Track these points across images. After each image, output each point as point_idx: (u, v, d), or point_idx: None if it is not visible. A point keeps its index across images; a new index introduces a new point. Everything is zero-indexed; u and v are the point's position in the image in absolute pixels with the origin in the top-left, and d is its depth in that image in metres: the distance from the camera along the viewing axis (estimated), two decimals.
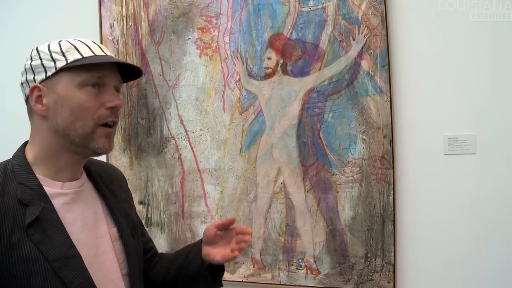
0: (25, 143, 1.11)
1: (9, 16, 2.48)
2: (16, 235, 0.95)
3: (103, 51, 1.08)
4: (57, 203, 1.04)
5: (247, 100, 2.05)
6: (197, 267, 1.23)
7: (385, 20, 1.86)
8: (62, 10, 2.35)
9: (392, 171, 1.88)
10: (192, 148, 2.14)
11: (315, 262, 1.99)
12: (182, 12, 2.12)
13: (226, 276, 2.10)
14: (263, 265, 2.06)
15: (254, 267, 2.08)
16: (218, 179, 2.11)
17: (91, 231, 1.09)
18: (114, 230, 1.16)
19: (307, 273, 2.01)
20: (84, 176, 1.16)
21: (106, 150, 1.09)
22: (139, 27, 2.19)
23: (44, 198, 1.02)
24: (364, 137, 1.91)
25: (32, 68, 1.05)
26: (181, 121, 2.15)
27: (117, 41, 2.22)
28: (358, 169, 1.92)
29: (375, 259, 1.91)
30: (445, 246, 1.87)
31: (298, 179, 2.00)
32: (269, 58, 2.01)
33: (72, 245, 1.01)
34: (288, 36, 1.98)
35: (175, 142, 2.16)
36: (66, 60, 1.03)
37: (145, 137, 2.19)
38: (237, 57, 2.06)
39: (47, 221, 1.00)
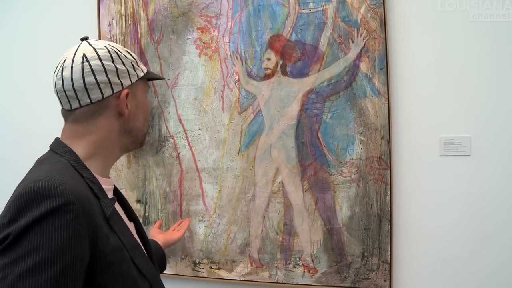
0: (57, 139, 1.13)
1: (6, 13, 2.46)
2: (104, 226, 1.00)
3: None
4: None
5: (246, 100, 2.07)
6: (161, 257, 1.57)
7: (383, 23, 1.89)
8: (61, 8, 2.34)
9: (389, 171, 1.91)
10: (190, 147, 2.15)
11: (313, 260, 2.02)
12: (182, 11, 2.13)
13: (224, 275, 2.13)
14: (261, 263, 2.08)
15: (251, 265, 2.09)
16: (216, 178, 2.12)
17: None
18: (131, 224, 1.23)
19: (304, 271, 2.03)
20: None
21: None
22: (138, 26, 2.19)
23: (104, 192, 1.08)
24: (362, 138, 1.94)
25: (117, 71, 1.10)
26: (180, 120, 2.16)
27: (116, 39, 2.21)
28: (355, 169, 1.95)
29: (372, 258, 1.95)
30: (441, 245, 1.91)
31: (296, 179, 2.02)
32: (269, 59, 2.03)
33: (133, 235, 1.10)
34: (287, 38, 2.00)
35: (174, 141, 2.17)
36: (142, 70, 1.18)
37: None
38: (236, 58, 2.07)
39: (116, 213, 1.08)
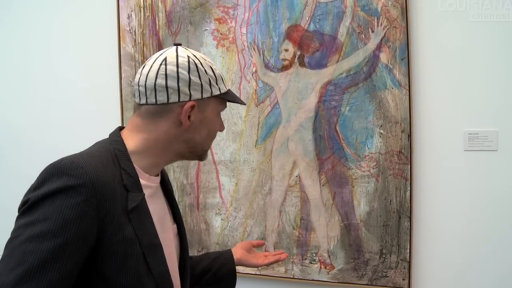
0: (120, 128, 1.18)
1: (27, 6, 2.50)
2: (122, 217, 1.02)
3: (225, 83, 1.22)
4: (146, 194, 1.11)
5: (264, 92, 2.03)
6: (229, 270, 1.46)
7: (405, 12, 1.82)
8: (80, 1, 2.36)
9: (409, 166, 1.85)
10: None
11: (329, 256, 1.97)
12: (200, 2, 2.11)
13: (240, 269, 2.08)
14: None
15: None
16: (233, 171, 2.10)
17: (162, 225, 1.16)
18: (174, 226, 1.25)
19: (320, 267, 1.99)
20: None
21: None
22: (157, 18, 2.19)
23: (140, 187, 1.09)
24: (382, 131, 1.87)
25: (189, 82, 1.11)
26: None
27: (135, 31, 2.22)
28: (374, 163, 1.89)
29: (390, 256, 1.88)
30: (462, 244, 1.83)
31: (314, 173, 1.98)
32: (286, 50, 1.99)
33: (156, 235, 1.10)
34: (305, 28, 1.95)
35: None
36: (220, 89, 1.15)
37: None
38: (254, 49, 2.04)
39: (142, 209, 1.08)
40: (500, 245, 1.79)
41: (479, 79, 1.79)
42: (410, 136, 1.84)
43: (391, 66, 1.85)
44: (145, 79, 1.11)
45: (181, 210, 2.14)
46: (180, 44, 1.18)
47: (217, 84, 1.15)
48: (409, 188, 1.85)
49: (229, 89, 1.20)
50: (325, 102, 1.94)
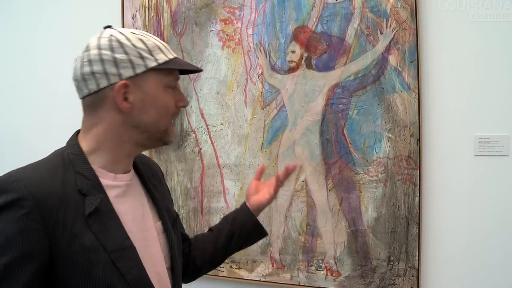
0: (78, 132, 1.11)
1: (29, 6, 2.48)
2: (77, 225, 0.96)
3: (171, 52, 1.11)
4: (110, 194, 1.05)
5: (270, 94, 1.99)
6: (252, 223, 1.39)
7: (414, 14, 1.78)
8: (84, 1, 2.34)
9: (418, 171, 1.80)
10: (212, 143, 2.10)
11: (336, 263, 1.93)
12: (205, 3, 2.08)
13: (244, 275, 2.07)
14: (282, 264, 2.01)
15: (272, 266, 2.02)
16: (238, 175, 2.06)
17: (139, 224, 1.10)
18: (158, 224, 1.18)
19: (327, 274, 1.95)
20: (132, 169, 1.17)
21: (172, 142, 1.17)
22: (161, 18, 2.16)
23: (100, 189, 1.03)
24: (390, 135, 1.83)
25: (115, 61, 1.02)
26: (202, 114, 2.11)
27: None
28: (382, 168, 1.85)
29: (398, 263, 1.84)
30: (473, 252, 1.79)
31: (320, 177, 1.93)
32: (293, 52, 1.95)
33: (127, 237, 1.03)
34: (313, 29, 1.91)
35: (195, 136, 2.12)
36: (156, 60, 1.05)
37: None
38: (260, 50, 2.00)
39: (104, 212, 1.02)
40: (511, 251, 1.75)
41: (490, 82, 1.75)
42: (419, 140, 1.80)
43: (400, 69, 1.81)
44: (74, 72, 1.05)
45: (184, 215, 2.12)
46: (110, 26, 1.09)
47: (152, 55, 1.04)
48: (418, 193, 1.81)
49: (176, 57, 1.09)
50: (332, 105, 1.90)
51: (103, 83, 1.03)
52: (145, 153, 2.13)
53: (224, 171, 2.09)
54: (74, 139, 1.08)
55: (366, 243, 1.89)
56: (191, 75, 2.10)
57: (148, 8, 2.17)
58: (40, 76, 2.46)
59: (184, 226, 2.07)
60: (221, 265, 2.06)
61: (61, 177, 0.99)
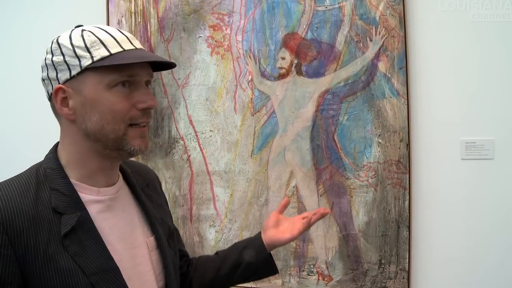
0: (57, 144, 1.02)
1: (14, 10, 2.40)
2: (52, 246, 0.88)
3: (131, 43, 0.97)
4: (92, 211, 0.96)
5: (260, 100, 2.00)
6: (263, 258, 1.22)
7: (403, 21, 1.82)
8: (69, 5, 2.28)
9: (408, 175, 1.84)
10: (201, 150, 2.08)
11: (327, 268, 1.94)
12: (193, 9, 2.06)
13: None
14: None
15: None
16: (228, 181, 2.05)
17: (127, 241, 1.02)
18: (151, 239, 1.08)
19: (318, 279, 1.96)
20: (121, 180, 1.08)
21: (142, 151, 0.99)
22: (148, 24, 2.13)
23: (79, 205, 0.94)
24: (380, 140, 1.87)
25: (54, 65, 0.94)
26: (191, 121, 2.09)
27: None
28: (373, 173, 1.88)
29: (389, 266, 1.87)
30: (462, 253, 1.83)
31: (311, 183, 1.95)
32: (283, 58, 1.96)
33: (109, 258, 0.94)
34: (303, 36, 1.93)
35: (184, 143, 2.10)
36: (92, 57, 0.92)
37: (153, 138, 2.12)
38: (250, 57, 2.00)
39: (83, 231, 0.93)
40: (499, 253, 1.80)
41: (476, 88, 1.80)
42: (408, 145, 1.84)
43: (389, 75, 1.84)
44: None
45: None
46: (79, 26, 0.99)
47: (89, 52, 0.92)
48: (407, 197, 1.84)
49: (124, 50, 0.94)
50: (322, 111, 1.92)
51: (50, 89, 0.97)
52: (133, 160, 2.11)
53: (214, 178, 2.07)
54: (53, 152, 1.00)
55: (357, 247, 1.91)
56: (179, 81, 2.08)
57: (135, 13, 2.14)
58: (22, 82, 2.38)
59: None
60: None
61: (33, 195, 0.91)
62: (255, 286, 2.03)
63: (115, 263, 0.95)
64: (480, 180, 1.82)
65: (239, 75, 2.02)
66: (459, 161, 1.84)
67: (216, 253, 1.32)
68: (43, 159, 1.01)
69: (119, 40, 0.95)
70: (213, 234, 2.08)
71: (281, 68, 1.97)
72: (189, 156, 2.10)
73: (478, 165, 1.82)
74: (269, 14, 1.97)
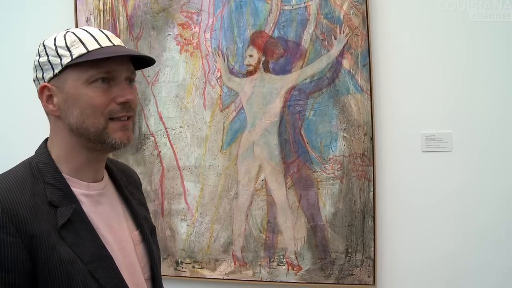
0: (47, 139, 1.07)
1: None
2: (52, 237, 0.92)
3: (110, 40, 1.02)
4: (84, 204, 1.01)
5: (228, 97, 2.05)
6: None
7: (366, 20, 1.89)
8: (37, 4, 2.27)
9: (372, 168, 1.92)
10: (171, 145, 2.11)
11: (296, 258, 2.01)
12: (162, 7, 2.09)
13: (207, 274, 2.11)
14: (244, 262, 2.06)
15: (235, 264, 2.08)
16: (198, 176, 2.10)
17: (116, 234, 1.06)
18: (136, 233, 1.13)
19: (288, 269, 2.03)
20: (107, 177, 1.13)
21: (124, 144, 1.03)
22: (117, 22, 2.14)
23: (73, 198, 0.99)
24: (345, 134, 1.94)
25: (40, 66, 1.00)
26: (161, 118, 2.12)
27: None
28: (339, 166, 1.95)
29: (356, 254, 1.95)
30: (424, 241, 1.93)
31: (280, 176, 2.01)
32: (251, 56, 2.01)
33: (103, 246, 0.99)
34: (270, 34, 1.99)
35: (154, 139, 2.13)
36: (71, 55, 0.97)
37: None
38: (218, 54, 2.05)
39: (78, 222, 0.97)
40: (457, 238, 1.90)
41: (435, 84, 1.89)
42: (372, 139, 1.92)
43: (353, 72, 1.92)
44: None
45: None
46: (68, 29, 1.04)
47: (69, 50, 0.97)
48: (372, 188, 1.92)
49: (101, 47, 0.99)
50: (289, 107, 1.98)
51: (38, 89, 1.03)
52: None
53: (184, 173, 2.11)
54: (43, 147, 1.05)
55: (325, 237, 1.98)
56: (149, 79, 2.11)
57: (103, 11, 2.15)
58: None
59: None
60: (184, 265, 2.10)
61: (30, 189, 0.95)
62: (227, 278, 2.09)
63: (109, 252, 1.00)
64: (439, 171, 1.91)
65: (208, 72, 2.06)
66: (420, 154, 1.92)
67: None
68: (33, 154, 1.05)
69: (98, 38, 1.00)
70: (184, 227, 2.12)
71: (249, 65, 2.02)
72: (160, 152, 2.13)
73: (437, 157, 1.91)
74: (237, 12, 2.01)
